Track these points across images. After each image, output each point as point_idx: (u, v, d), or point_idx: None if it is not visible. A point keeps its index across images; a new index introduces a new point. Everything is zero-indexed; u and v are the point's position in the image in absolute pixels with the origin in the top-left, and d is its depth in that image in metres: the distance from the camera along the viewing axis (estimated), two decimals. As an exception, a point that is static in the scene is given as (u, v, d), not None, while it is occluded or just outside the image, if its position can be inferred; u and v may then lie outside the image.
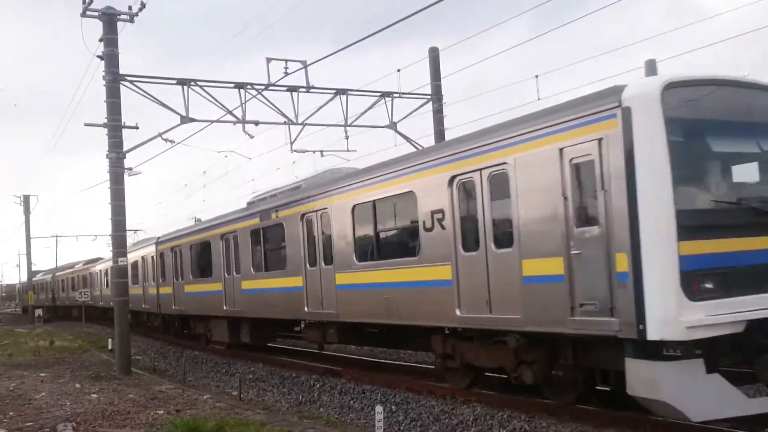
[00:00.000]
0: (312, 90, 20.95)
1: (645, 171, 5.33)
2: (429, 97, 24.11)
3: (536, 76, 17.79)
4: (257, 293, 14.63)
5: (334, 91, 21.58)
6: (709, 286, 5.33)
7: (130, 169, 19.46)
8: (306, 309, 12.57)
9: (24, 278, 79.36)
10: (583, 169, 6.09)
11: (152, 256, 24.78)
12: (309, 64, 19.75)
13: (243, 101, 20.15)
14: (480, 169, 7.66)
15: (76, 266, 53.18)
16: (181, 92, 19.17)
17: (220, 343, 20.27)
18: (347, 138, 23.02)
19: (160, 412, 11.37)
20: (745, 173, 5.86)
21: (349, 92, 21.76)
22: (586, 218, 6.19)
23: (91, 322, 42.96)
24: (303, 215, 12.23)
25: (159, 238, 24.32)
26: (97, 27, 17.94)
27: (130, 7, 17.82)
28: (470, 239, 8.12)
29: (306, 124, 21.99)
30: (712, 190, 5.61)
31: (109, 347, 24.28)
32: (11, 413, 11.89)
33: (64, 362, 20.69)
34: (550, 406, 9.45)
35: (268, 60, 19.44)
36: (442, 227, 8.43)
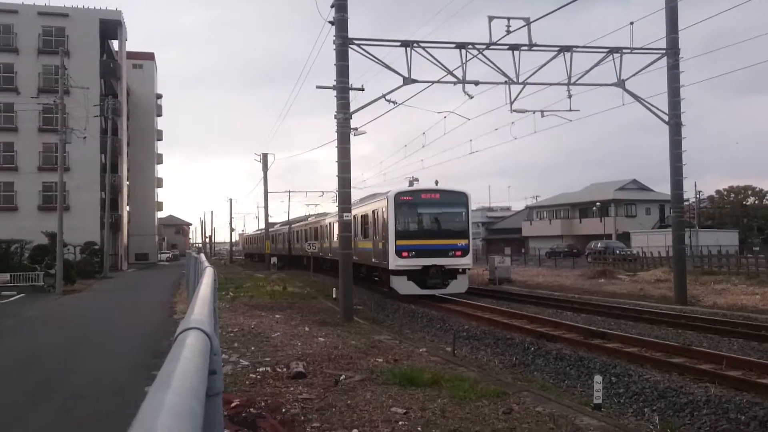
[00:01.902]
0: (534, 48, 20.29)
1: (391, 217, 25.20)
2: (663, 51, 22.13)
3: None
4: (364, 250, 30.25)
5: (557, 49, 20.68)
6: (406, 254, 24.91)
7: (356, 129, 20.60)
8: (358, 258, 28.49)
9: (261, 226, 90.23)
10: (379, 216, 26.79)
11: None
12: (532, 21, 19.13)
13: (464, 61, 20.14)
14: (370, 210, 28.56)
15: (309, 219, 57.96)
16: (404, 54, 19.68)
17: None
18: (570, 97, 22.00)
19: (379, 360, 12.04)
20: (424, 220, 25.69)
21: (574, 49, 20.70)
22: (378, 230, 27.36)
23: (319, 272, 46.31)
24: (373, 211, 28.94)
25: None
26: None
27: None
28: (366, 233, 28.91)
29: (527, 84, 21.41)
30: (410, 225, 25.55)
31: (334, 296, 26.33)
32: (252, 348, 13.39)
33: (295, 307, 22.68)
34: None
35: (490, 18, 19.16)
36: (364, 229, 29.36)
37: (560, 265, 50.60)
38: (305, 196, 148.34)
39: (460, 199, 27.55)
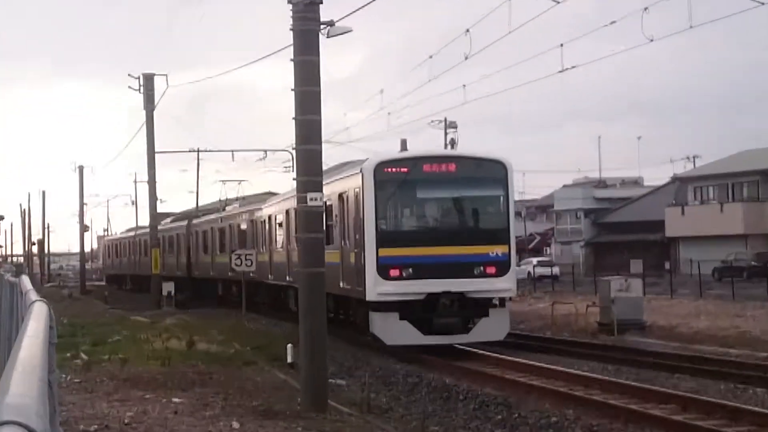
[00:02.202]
0: None
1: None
2: None
3: None
4: None
5: None
6: (396, 272, 27.19)
7: (331, 23, 20.49)
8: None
9: (141, 222, 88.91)
10: (349, 204, 30.17)
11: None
12: None
13: None
14: (335, 195, 31.21)
15: (230, 208, 57.67)
16: None
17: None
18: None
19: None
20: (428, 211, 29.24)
21: None
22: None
23: (255, 312, 46.47)
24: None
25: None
26: None
27: None
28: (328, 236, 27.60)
29: None
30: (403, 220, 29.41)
31: (288, 359, 26.30)
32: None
33: (212, 381, 22.78)
34: None
35: None
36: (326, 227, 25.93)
37: (744, 293, 50.64)
38: (231, 159, 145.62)
39: (494, 172, 28.01)
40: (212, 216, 59.89)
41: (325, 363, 20.05)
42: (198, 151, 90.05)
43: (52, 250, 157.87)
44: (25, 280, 15.35)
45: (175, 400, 19.71)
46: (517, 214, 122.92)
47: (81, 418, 17.15)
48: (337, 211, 30.67)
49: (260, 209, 46.80)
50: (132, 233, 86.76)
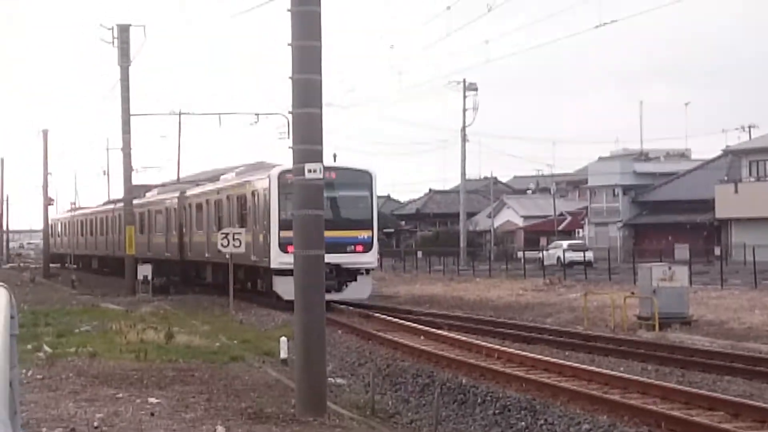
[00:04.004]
0: None
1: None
2: None
3: None
4: None
5: None
6: (292, 249, 23.72)
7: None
8: None
9: (115, 195, 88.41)
10: (259, 199, 47.35)
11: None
12: None
13: None
14: (249, 191, 50.14)
15: (225, 177, 57.81)
16: None
17: None
18: None
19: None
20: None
21: None
22: None
23: (245, 300, 47.22)
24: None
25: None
26: None
27: None
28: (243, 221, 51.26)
29: None
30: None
31: (281, 355, 26.60)
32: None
33: (194, 378, 22.88)
34: None
35: None
36: (241, 216, 51.50)
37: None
38: (218, 123, 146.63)
39: (362, 179, 45.37)
40: (209, 187, 59.30)
41: (323, 359, 20.10)
42: (180, 114, 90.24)
43: (12, 226, 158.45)
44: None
45: (152, 400, 19.73)
46: (546, 189, 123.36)
47: (44, 419, 17.21)
48: (251, 204, 47.59)
49: (251, 181, 49.35)
50: (109, 206, 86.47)
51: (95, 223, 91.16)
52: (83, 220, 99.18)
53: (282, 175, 42.55)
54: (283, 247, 41.19)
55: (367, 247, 43.65)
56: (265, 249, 42.99)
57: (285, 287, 39.82)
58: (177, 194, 64.90)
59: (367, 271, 44.15)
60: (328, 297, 33.08)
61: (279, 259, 41.82)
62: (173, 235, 64.28)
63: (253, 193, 46.80)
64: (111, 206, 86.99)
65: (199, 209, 58.51)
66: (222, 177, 59.55)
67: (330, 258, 32.25)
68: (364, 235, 43.43)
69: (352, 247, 42.56)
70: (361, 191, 44.40)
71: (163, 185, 79.58)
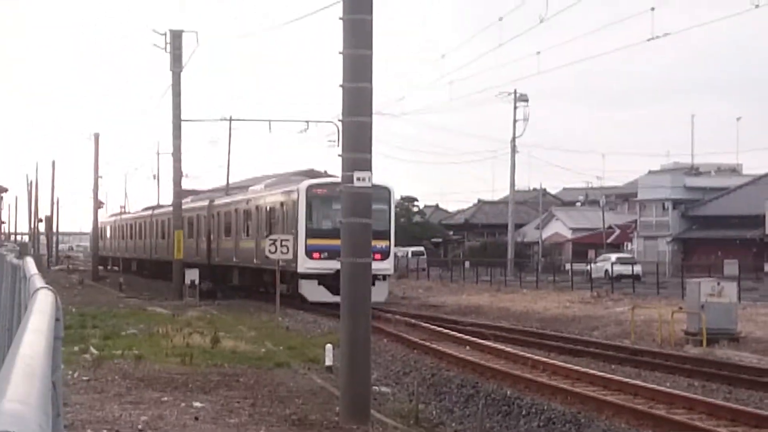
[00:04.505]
0: None
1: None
2: None
3: None
4: None
5: None
6: (317, 255, 48.71)
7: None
8: None
9: (163, 200, 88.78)
10: (288, 209, 53.42)
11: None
12: None
13: None
14: (278, 202, 56.49)
15: (253, 188, 60.01)
16: None
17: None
18: None
19: None
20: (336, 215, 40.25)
21: None
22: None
23: (291, 306, 47.46)
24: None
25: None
26: None
27: None
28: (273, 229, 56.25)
29: None
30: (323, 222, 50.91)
31: (326, 362, 26.58)
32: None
33: (239, 383, 22.98)
34: None
35: None
36: (271, 224, 57.10)
37: None
38: (268, 130, 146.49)
39: (382, 194, 48.39)
40: (237, 197, 64.15)
41: (368, 367, 20.11)
42: (230, 119, 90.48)
43: (62, 228, 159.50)
44: (30, 263, 15.44)
45: (196, 404, 19.84)
46: (595, 202, 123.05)
47: (89, 421, 17.31)
48: (279, 213, 53.28)
49: (289, 189, 53.96)
50: (156, 211, 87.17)
51: (136, 228, 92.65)
52: (126, 225, 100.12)
53: (309, 188, 49.51)
54: (309, 253, 47.44)
55: (385, 255, 48.74)
56: (293, 255, 46.27)
57: (310, 290, 47.10)
58: (206, 203, 69.93)
59: (384, 277, 49.07)
60: None
61: (305, 265, 47.47)
62: (202, 240, 69.08)
63: (282, 204, 52.64)
64: (149, 212, 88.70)
65: (227, 217, 63.79)
66: (250, 188, 66.36)
67: None
68: (382, 244, 47.38)
69: (372, 255, 46.09)
70: (381, 205, 47.71)
71: (210, 191, 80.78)
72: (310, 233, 46.97)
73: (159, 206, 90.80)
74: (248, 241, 57.76)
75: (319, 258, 45.38)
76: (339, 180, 45.45)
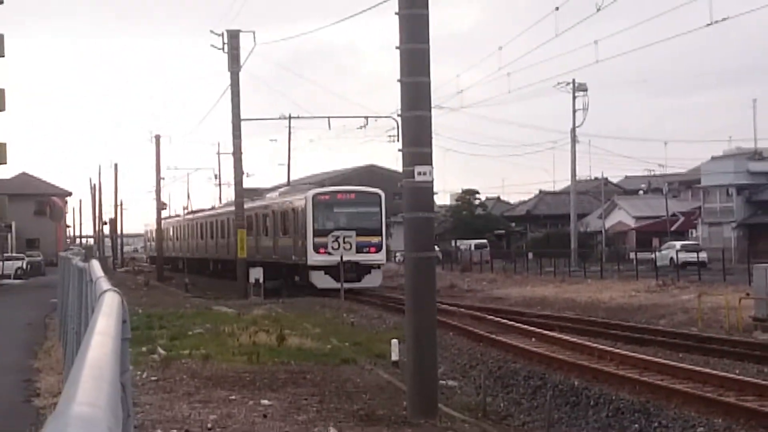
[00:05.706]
0: None
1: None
2: None
3: None
4: None
5: None
6: (323, 251, 53.91)
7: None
8: None
9: (224, 199, 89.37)
10: (298, 213, 65.04)
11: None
12: None
13: None
14: (289, 208, 68.88)
15: (270, 196, 70.90)
16: None
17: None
18: None
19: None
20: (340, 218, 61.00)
21: None
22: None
23: (356, 302, 48.38)
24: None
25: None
26: None
27: None
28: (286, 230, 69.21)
29: None
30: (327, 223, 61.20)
31: (392, 357, 26.62)
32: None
33: (306, 380, 23.11)
34: None
35: None
36: (284, 226, 69.64)
37: None
38: (327, 127, 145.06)
39: (374, 199, 61.13)
40: (259, 202, 72.65)
41: (434, 361, 20.12)
42: (290, 117, 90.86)
43: (126, 230, 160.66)
44: (96, 266, 15.55)
45: (264, 402, 19.93)
46: (658, 190, 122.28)
47: (159, 421, 17.43)
48: (291, 217, 63.29)
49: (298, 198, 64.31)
50: (220, 210, 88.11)
51: (194, 228, 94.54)
52: (187, 225, 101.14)
53: (315, 196, 60.73)
54: (316, 249, 56.59)
55: (378, 248, 59.61)
56: (303, 251, 58.93)
57: (318, 278, 57.28)
58: (233, 208, 73.81)
59: (378, 266, 60.38)
60: (350, 285, 50.61)
61: (314, 258, 57.41)
62: (232, 240, 75.92)
63: (293, 209, 63.18)
64: (194, 215, 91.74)
65: (249, 220, 69.47)
66: (267, 195, 76.33)
67: (351, 257, 45.69)
68: (375, 240, 59.39)
69: (367, 249, 57.15)
70: (373, 207, 60.78)
71: (274, 189, 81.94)
72: (317, 233, 57.00)
73: (200, 210, 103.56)
74: (267, 239, 69.08)
75: (324, 253, 50.86)
76: (338, 189, 59.37)
